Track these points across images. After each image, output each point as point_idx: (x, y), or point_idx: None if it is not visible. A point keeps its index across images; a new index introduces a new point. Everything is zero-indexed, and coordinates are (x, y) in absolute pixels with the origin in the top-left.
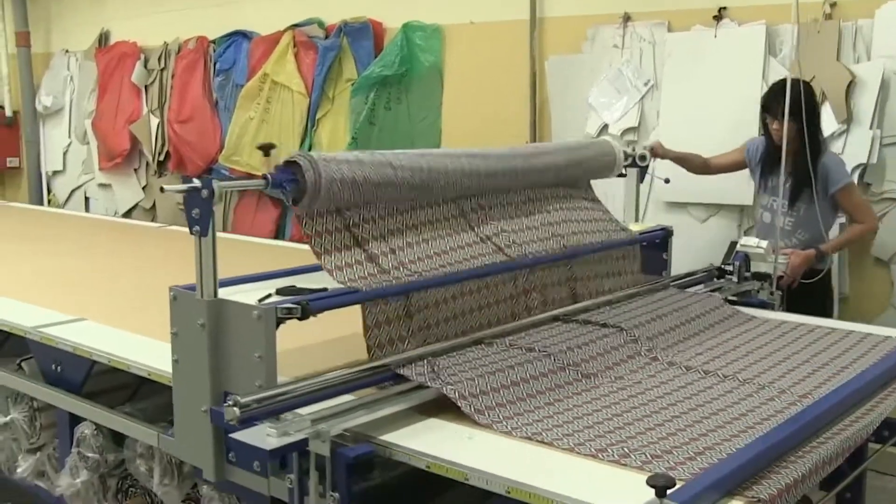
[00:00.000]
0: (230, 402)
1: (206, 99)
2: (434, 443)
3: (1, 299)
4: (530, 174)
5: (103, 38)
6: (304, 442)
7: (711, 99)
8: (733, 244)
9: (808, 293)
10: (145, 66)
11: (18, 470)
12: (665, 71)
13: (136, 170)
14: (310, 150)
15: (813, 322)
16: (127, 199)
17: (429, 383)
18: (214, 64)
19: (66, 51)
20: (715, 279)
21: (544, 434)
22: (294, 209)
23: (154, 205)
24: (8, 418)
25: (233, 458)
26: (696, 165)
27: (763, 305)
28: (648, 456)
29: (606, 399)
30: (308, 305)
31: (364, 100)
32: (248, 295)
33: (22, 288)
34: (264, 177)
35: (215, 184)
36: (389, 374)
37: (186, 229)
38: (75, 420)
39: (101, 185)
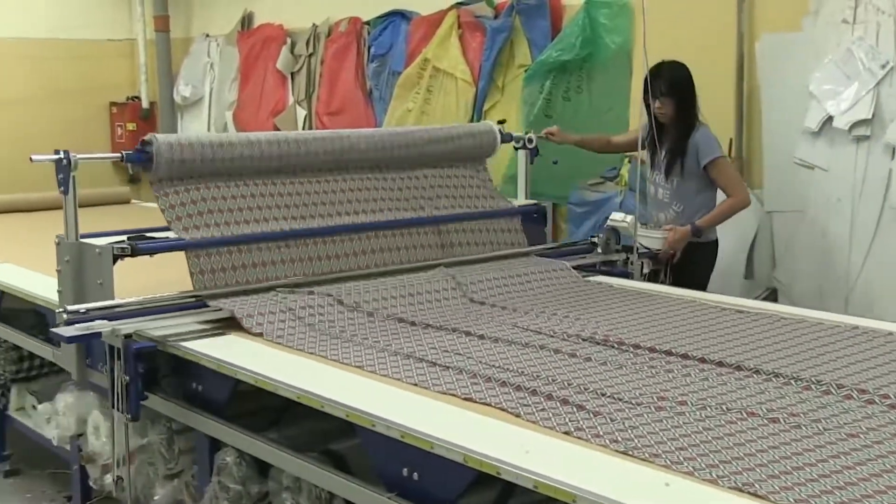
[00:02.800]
0: (61, 310)
1: (359, 88)
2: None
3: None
4: (377, 155)
5: (246, 21)
6: (98, 335)
7: None
8: (606, 218)
9: (691, 263)
10: (292, 52)
11: (155, 498)
12: None
13: None
14: None
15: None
16: None
17: (221, 307)
18: (369, 48)
19: (207, 35)
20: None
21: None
22: (147, 175)
23: None
24: (145, 440)
25: (89, 362)
26: (599, 145)
27: (624, 275)
28: None
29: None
30: (136, 246)
31: (539, 88)
32: (110, 241)
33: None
34: (120, 153)
35: (72, 155)
36: (200, 301)
37: None
38: (216, 445)
39: None
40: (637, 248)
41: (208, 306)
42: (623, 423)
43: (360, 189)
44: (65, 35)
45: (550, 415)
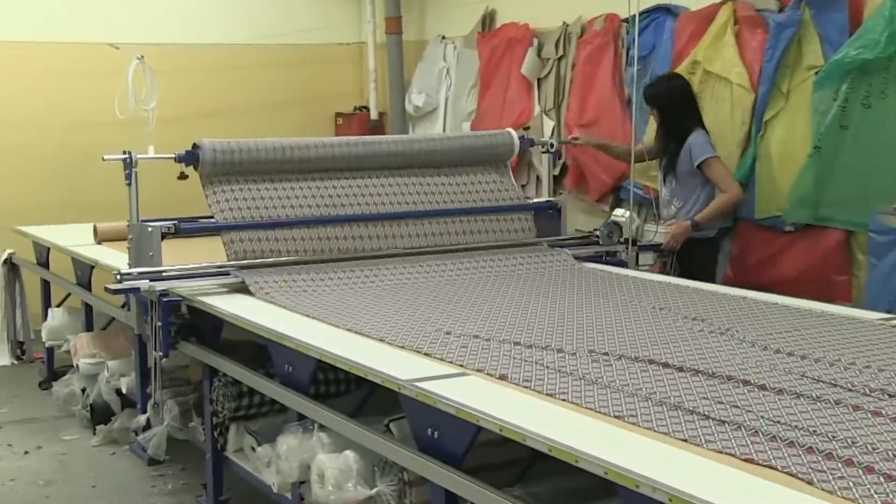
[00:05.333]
0: (115, 272)
1: (616, 95)
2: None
3: (376, 345)
4: (404, 158)
5: (487, 20)
6: (138, 290)
7: None
8: (609, 215)
9: (694, 256)
10: (539, 55)
11: None
12: None
13: (523, 186)
14: (753, 162)
15: None
16: None
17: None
18: (627, 50)
19: (443, 37)
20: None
21: None
22: (197, 172)
23: None
24: (373, 491)
25: (146, 319)
26: (619, 153)
27: (620, 264)
28: None
29: None
30: (180, 226)
31: (833, 94)
32: (162, 223)
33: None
34: (176, 154)
35: (134, 154)
36: (225, 270)
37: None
38: (453, 500)
39: None
40: (634, 241)
41: (229, 274)
42: None
43: (382, 185)
44: (288, 40)
45: (850, 483)
